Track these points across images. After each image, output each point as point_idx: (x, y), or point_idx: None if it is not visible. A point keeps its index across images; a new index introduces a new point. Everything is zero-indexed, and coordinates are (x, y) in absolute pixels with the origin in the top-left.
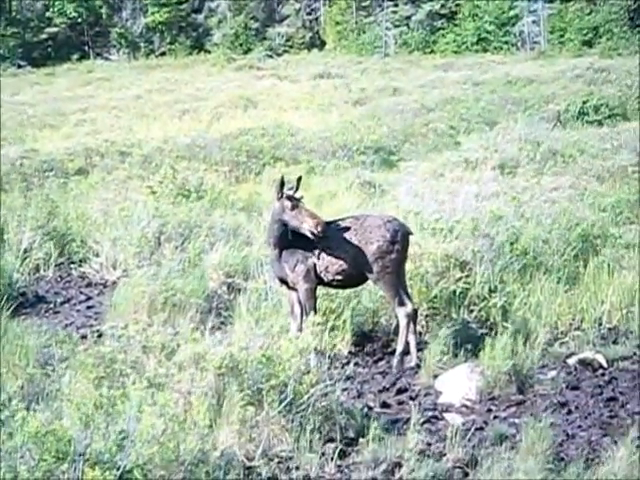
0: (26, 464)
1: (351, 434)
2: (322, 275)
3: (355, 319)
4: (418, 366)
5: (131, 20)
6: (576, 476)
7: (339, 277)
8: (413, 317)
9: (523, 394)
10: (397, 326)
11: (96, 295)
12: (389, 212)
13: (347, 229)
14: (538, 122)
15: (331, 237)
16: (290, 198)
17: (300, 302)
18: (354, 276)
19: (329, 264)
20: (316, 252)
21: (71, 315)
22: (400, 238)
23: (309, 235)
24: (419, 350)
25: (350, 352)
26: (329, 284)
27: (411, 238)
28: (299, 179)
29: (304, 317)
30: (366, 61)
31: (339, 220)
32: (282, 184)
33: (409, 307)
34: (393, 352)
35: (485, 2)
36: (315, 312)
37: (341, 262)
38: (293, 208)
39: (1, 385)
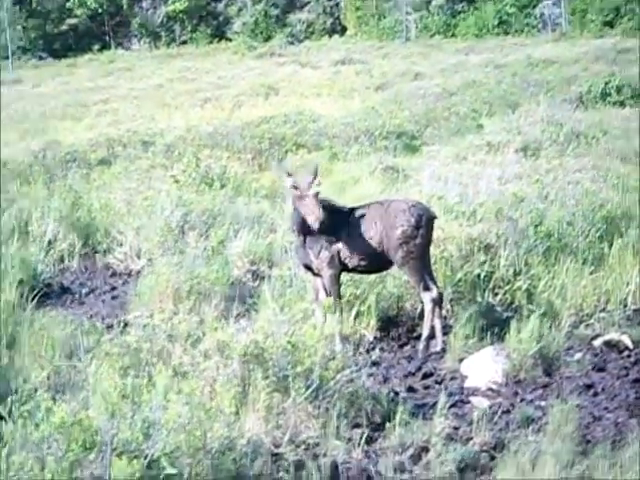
0: (53, 454)
1: (377, 419)
2: (347, 261)
3: (380, 304)
4: (444, 350)
5: (152, 9)
6: (603, 458)
7: (364, 262)
8: (438, 301)
9: (549, 376)
10: (422, 311)
11: (121, 285)
12: (412, 197)
13: (372, 214)
14: (560, 104)
15: (355, 223)
16: (296, 187)
17: (325, 288)
18: (379, 261)
19: (353, 250)
20: (341, 238)
21: (96, 305)
22: (425, 222)
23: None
24: (444, 334)
25: (375, 337)
26: (354, 270)
27: (435, 222)
28: (316, 168)
29: None
30: (387, 46)
31: (364, 206)
32: (288, 174)
33: (434, 292)
34: (418, 337)
35: None
36: (340, 298)
37: (366, 247)
38: (300, 198)
39: (27, 376)
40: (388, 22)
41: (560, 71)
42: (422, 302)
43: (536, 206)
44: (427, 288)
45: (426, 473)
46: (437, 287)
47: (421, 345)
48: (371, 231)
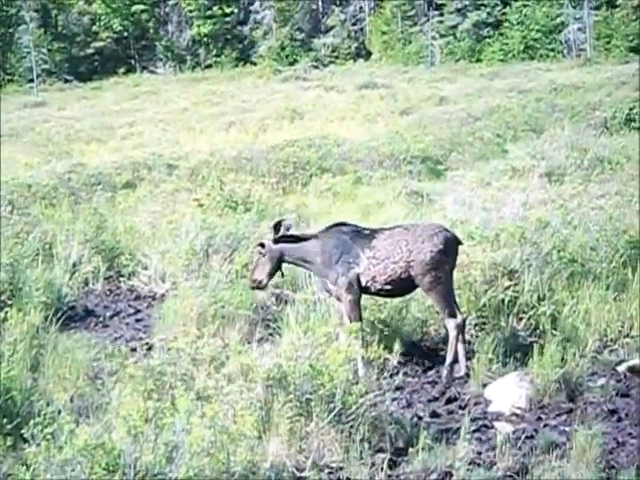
0: (76, 477)
1: (401, 444)
2: (369, 285)
3: (404, 329)
4: (467, 375)
5: (177, 33)
6: None
7: (388, 287)
8: (462, 327)
9: (573, 402)
10: (446, 335)
11: (145, 308)
12: (437, 221)
13: (396, 239)
14: (585, 129)
15: (378, 246)
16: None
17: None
18: (403, 286)
19: (376, 274)
20: (362, 262)
21: (120, 328)
22: (452, 247)
23: None
24: (468, 359)
25: (399, 362)
26: (376, 293)
27: (459, 247)
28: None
29: None
30: (412, 70)
31: (387, 229)
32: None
33: (459, 318)
34: (442, 361)
35: (531, 10)
36: (361, 321)
37: (390, 272)
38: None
39: (50, 399)
40: (413, 47)
41: (585, 96)
42: (446, 328)
43: (560, 231)
44: (452, 315)
45: None
46: (461, 313)
47: (445, 370)
48: (396, 255)
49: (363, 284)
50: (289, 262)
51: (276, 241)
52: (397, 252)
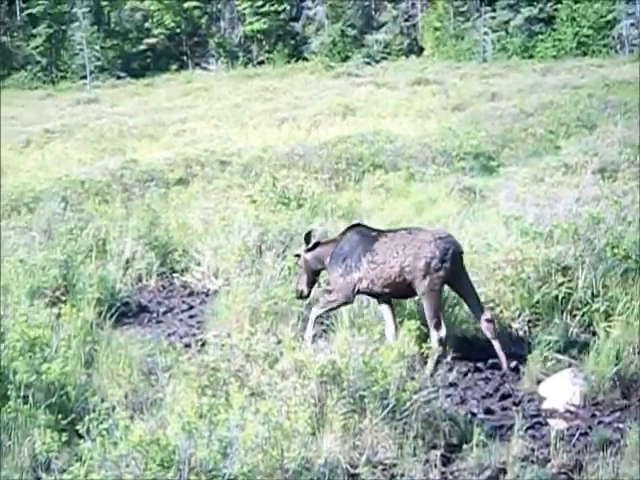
0: (131, 473)
1: (455, 440)
2: (370, 287)
3: (458, 325)
4: (517, 369)
5: (229, 29)
6: None
7: (387, 290)
8: (444, 343)
9: (627, 399)
10: (499, 332)
11: (198, 304)
12: (490, 218)
13: (396, 242)
14: (638, 125)
15: (378, 250)
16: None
17: (391, 309)
18: (402, 289)
19: (374, 277)
20: (362, 266)
21: (174, 324)
22: (450, 256)
23: None
24: (519, 356)
25: (453, 358)
26: (382, 294)
27: (512, 244)
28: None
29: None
30: (464, 66)
31: (392, 231)
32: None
33: (443, 332)
34: (496, 357)
35: (583, 6)
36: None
37: (386, 276)
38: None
39: (105, 394)
40: (465, 43)
41: (637, 92)
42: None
43: (614, 228)
44: (438, 326)
45: None
46: (445, 328)
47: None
48: (392, 260)
49: (365, 286)
50: (321, 269)
51: (308, 251)
52: (393, 257)
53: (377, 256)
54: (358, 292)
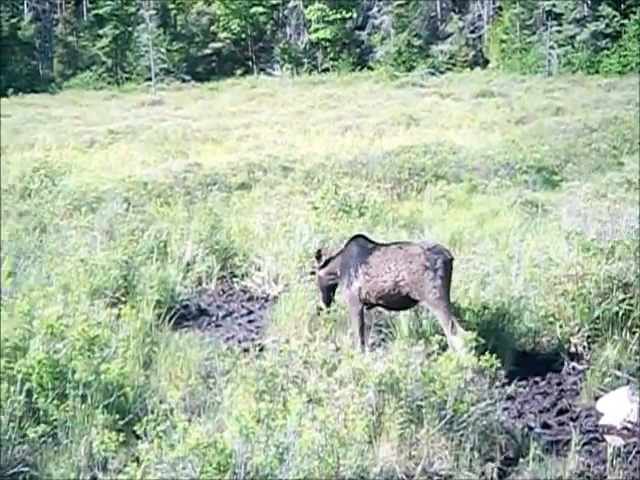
0: (188, 475)
1: (511, 454)
2: (367, 298)
3: (516, 338)
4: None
5: (295, 36)
6: None
7: (381, 302)
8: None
9: None
10: (559, 346)
11: (257, 309)
12: (551, 232)
13: (388, 257)
14: None
15: (371, 263)
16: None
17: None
18: (397, 301)
19: (369, 289)
20: (359, 276)
21: (233, 328)
22: (441, 264)
23: None
24: (579, 371)
25: (511, 371)
26: (379, 305)
27: (573, 259)
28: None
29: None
30: (529, 80)
31: (384, 246)
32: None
33: (461, 333)
34: (555, 371)
35: None
36: (362, 333)
37: (379, 289)
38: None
39: (163, 396)
40: (531, 56)
41: None
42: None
43: None
44: (454, 330)
45: None
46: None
47: None
48: (384, 275)
49: (363, 297)
50: (334, 283)
51: (321, 267)
52: (386, 271)
53: (371, 269)
54: (362, 302)
